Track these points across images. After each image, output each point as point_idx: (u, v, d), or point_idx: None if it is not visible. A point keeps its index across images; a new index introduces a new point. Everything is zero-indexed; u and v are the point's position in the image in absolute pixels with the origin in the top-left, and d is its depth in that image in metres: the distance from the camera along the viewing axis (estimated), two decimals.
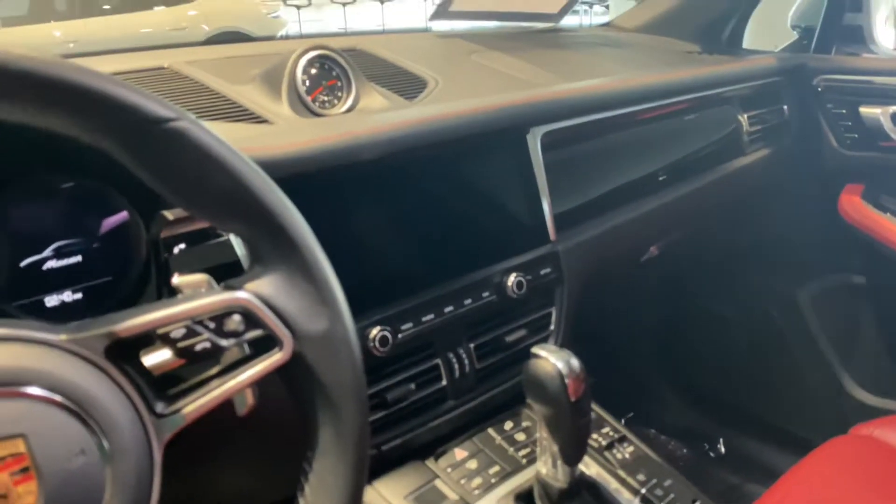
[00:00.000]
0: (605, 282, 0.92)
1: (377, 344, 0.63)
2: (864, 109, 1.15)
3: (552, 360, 0.58)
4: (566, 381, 0.58)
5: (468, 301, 0.71)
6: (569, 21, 1.26)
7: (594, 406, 0.77)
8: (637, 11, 1.38)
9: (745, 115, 1.11)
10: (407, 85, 0.79)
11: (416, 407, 0.69)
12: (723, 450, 1.43)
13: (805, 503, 0.79)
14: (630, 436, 0.77)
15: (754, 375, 1.40)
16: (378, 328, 0.64)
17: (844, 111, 1.17)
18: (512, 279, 0.73)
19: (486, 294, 0.72)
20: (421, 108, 0.72)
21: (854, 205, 1.20)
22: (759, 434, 1.38)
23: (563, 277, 0.80)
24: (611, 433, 0.77)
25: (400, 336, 0.66)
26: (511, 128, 0.76)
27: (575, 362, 0.58)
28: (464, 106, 0.73)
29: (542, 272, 0.77)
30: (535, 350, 0.60)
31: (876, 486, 0.82)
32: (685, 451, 1.44)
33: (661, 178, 0.96)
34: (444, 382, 0.71)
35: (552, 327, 0.80)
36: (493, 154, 0.75)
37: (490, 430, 0.74)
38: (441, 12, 1.08)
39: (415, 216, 0.70)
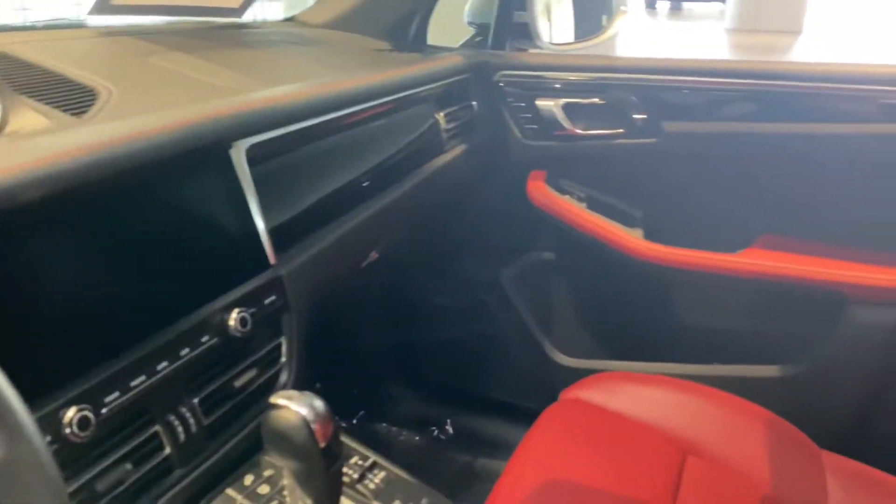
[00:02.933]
0: (330, 294, 0.87)
1: (75, 429, 0.51)
2: (539, 102, 1.24)
3: (294, 407, 0.51)
4: (313, 427, 0.51)
5: (186, 351, 0.60)
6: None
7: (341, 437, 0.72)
8: (322, 7, 1.34)
9: (442, 114, 1.13)
10: (71, 98, 0.65)
11: (136, 489, 0.57)
12: (451, 430, 1.49)
13: (540, 480, 0.83)
14: (381, 461, 0.74)
15: (476, 357, 1.47)
16: (74, 408, 0.51)
17: (524, 104, 1.26)
18: (234, 316, 0.65)
19: (206, 339, 0.62)
20: (94, 128, 0.58)
21: (539, 189, 1.30)
22: (483, 411, 1.46)
23: (288, 304, 0.73)
24: (360, 462, 0.73)
25: (104, 411, 0.53)
26: (212, 144, 0.66)
27: (319, 404, 0.52)
28: (150, 122, 0.60)
29: (267, 302, 0.70)
30: (274, 399, 0.52)
31: (596, 445, 0.90)
32: (416, 438, 1.48)
33: (367, 184, 0.93)
34: (167, 451, 0.60)
35: (283, 359, 0.73)
36: (194, 174, 0.65)
37: (229, 491, 0.65)
38: (102, 6, 0.93)
39: (111, 257, 0.57)
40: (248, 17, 1.13)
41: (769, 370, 1.21)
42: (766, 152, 1.14)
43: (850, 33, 7.70)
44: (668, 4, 11.09)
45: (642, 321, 1.35)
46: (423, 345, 1.52)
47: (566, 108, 1.23)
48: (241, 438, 0.67)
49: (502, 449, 0.90)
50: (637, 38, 7.29)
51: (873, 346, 1.12)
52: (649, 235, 1.25)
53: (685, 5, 11.04)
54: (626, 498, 0.81)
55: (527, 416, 0.95)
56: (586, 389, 1.04)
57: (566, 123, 1.24)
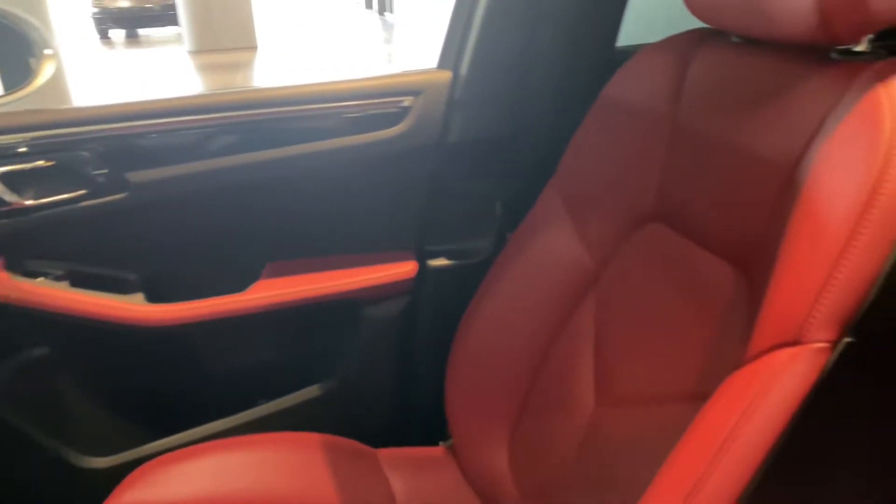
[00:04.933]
0: None
1: None
2: None
3: None
4: None
5: None
6: None
7: None
8: None
9: None
10: None
11: None
12: None
13: None
14: None
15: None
16: None
17: None
18: None
19: None
20: None
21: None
22: None
23: None
24: None
25: None
26: None
27: None
28: None
29: None
30: None
31: None
32: None
33: None
34: None
35: None
36: None
37: None
38: None
39: None
40: None
41: (312, 391, 1.21)
42: (253, 181, 1.11)
43: (302, 45, 8.49)
44: (122, 32, 10.65)
45: (175, 389, 1.22)
46: None
47: (4, 177, 1.01)
48: None
49: None
50: (93, 75, 6.82)
51: (389, 338, 1.20)
52: (153, 298, 1.12)
53: (141, 32, 10.76)
54: None
55: None
56: (133, 489, 0.90)
57: (9, 197, 1.02)
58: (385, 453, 1.06)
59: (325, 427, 1.08)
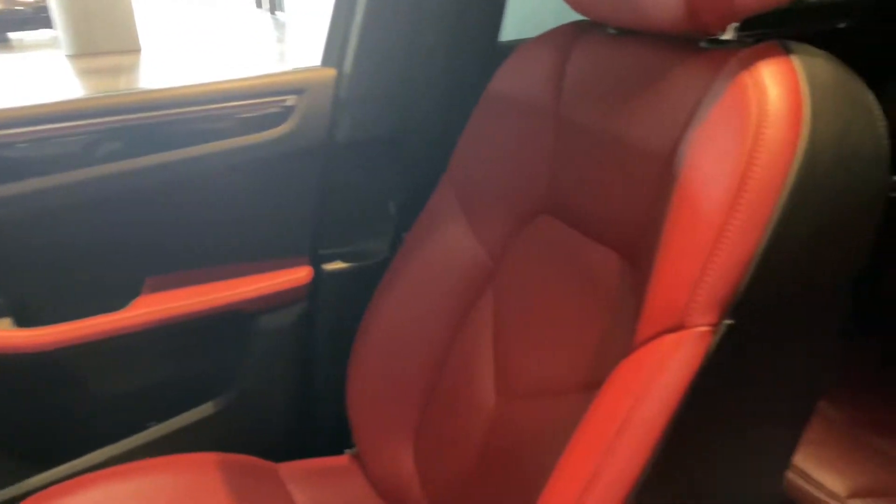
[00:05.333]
0: None
1: None
2: None
3: None
4: None
5: None
6: None
7: None
8: None
9: None
10: None
11: None
12: None
13: None
14: None
15: None
16: None
17: None
18: None
19: None
20: None
21: None
22: None
23: None
24: None
25: None
26: None
27: None
28: None
29: None
30: None
31: None
32: None
33: None
34: None
35: None
36: None
37: None
38: None
39: None
40: None
41: (206, 409, 1.16)
42: (129, 190, 1.04)
43: (189, 46, 8.17)
44: None
45: (56, 417, 1.14)
46: None
47: None
48: None
49: None
50: None
51: (286, 348, 1.16)
52: (23, 322, 1.04)
53: (12, 35, 10.07)
54: None
55: None
56: None
57: None
58: (287, 467, 1.02)
59: (221, 445, 1.03)
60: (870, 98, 0.59)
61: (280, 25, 10.29)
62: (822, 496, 0.99)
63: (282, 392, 1.18)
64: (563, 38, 0.86)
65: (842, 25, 1.26)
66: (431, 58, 1.12)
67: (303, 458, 1.05)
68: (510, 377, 0.85)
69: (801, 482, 1.01)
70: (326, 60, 1.10)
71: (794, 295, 0.58)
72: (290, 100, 1.06)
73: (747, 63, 0.61)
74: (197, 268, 1.11)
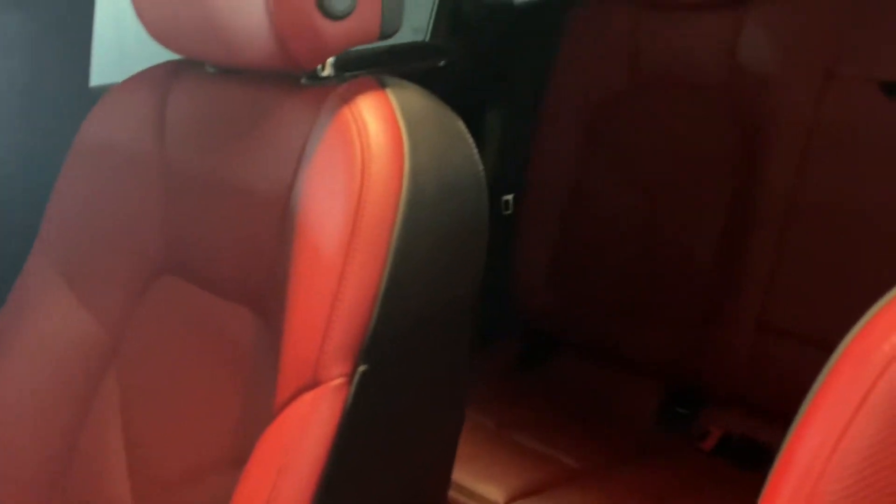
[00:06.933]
0: None
1: None
2: None
3: None
4: None
5: None
6: None
7: None
8: None
9: None
10: None
11: None
12: None
13: None
14: None
15: None
16: None
17: None
18: None
19: None
20: None
21: None
22: None
23: None
24: None
25: None
26: None
27: None
28: None
29: None
30: None
31: None
32: None
33: None
34: None
35: None
36: None
37: None
38: None
39: None
40: None
41: None
42: None
43: None
44: None
45: None
46: None
47: None
48: None
49: None
50: None
51: None
52: None
53: None
54: None
55: None
56: None
57: None
58: None
59: None
60: (461, 125, 0.61)
61: None
62: None
63: None
64: (159, 78, 0.78)
65: (441, 64, 1.37)
66: (11, 103, 0.94)
67: None
68: (150, 466, 0.74)
69: (463, 498, 1.04)
70: None
71: (421, 322, 0.57)
72: None
73: (346, 98, 0.60)
74: None
